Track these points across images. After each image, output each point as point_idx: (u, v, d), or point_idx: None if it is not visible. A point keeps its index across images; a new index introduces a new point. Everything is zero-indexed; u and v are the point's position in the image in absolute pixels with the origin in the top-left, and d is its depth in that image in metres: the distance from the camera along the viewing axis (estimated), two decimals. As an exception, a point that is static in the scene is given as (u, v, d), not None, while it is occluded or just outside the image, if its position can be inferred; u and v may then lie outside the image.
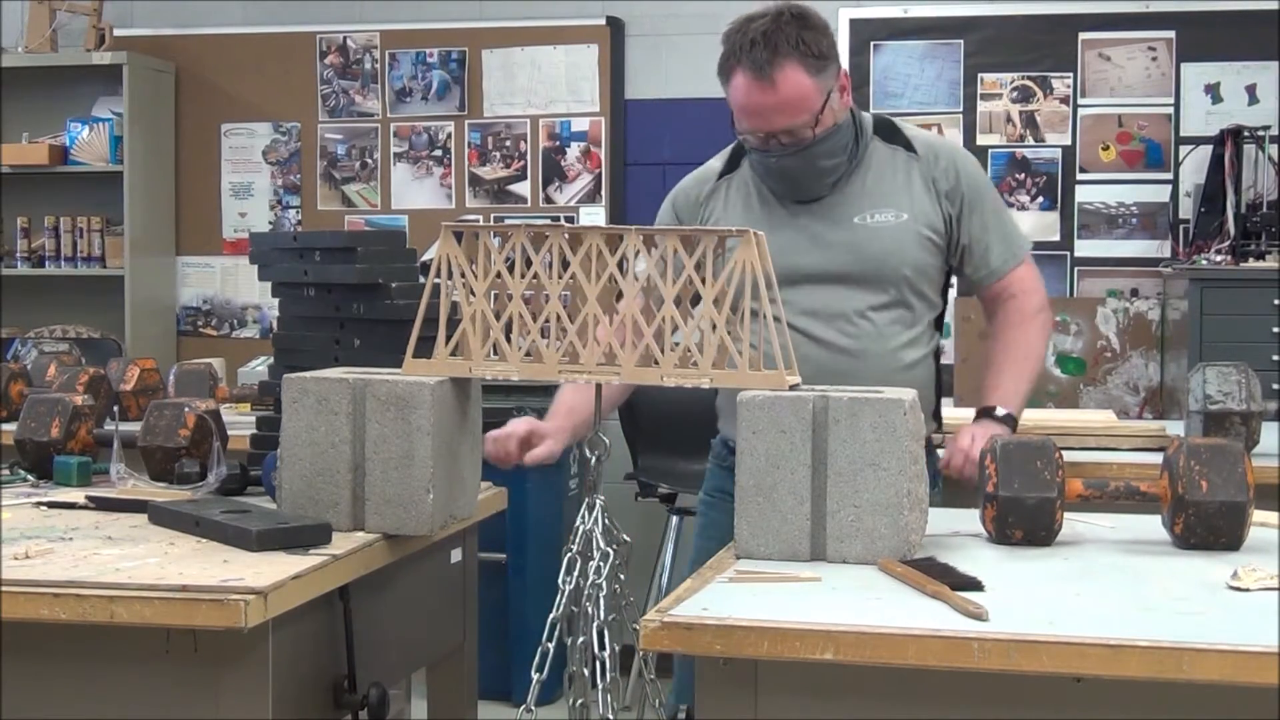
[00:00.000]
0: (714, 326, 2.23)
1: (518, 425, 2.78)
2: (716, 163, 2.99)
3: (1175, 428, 3.50)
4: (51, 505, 2.56)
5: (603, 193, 5.76)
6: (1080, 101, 5.49)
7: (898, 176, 2.86)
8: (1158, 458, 2.40)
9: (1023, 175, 5.53)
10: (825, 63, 2.74)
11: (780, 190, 2.86)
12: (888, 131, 2.90)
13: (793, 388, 2.19)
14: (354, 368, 2.45)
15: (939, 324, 2.97)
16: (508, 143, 5.84)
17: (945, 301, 2.98)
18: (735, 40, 2.73)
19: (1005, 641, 1.70)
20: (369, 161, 5.95)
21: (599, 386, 2.47)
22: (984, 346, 3.04)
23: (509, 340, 2.31)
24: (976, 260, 2.90)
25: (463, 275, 2.30)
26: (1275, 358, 4.81)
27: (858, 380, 2.53)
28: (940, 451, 2.90)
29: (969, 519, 2.37)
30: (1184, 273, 5.06)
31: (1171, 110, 5.44)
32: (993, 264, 2.91)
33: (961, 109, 5.56)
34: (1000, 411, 2.83)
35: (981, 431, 2.75)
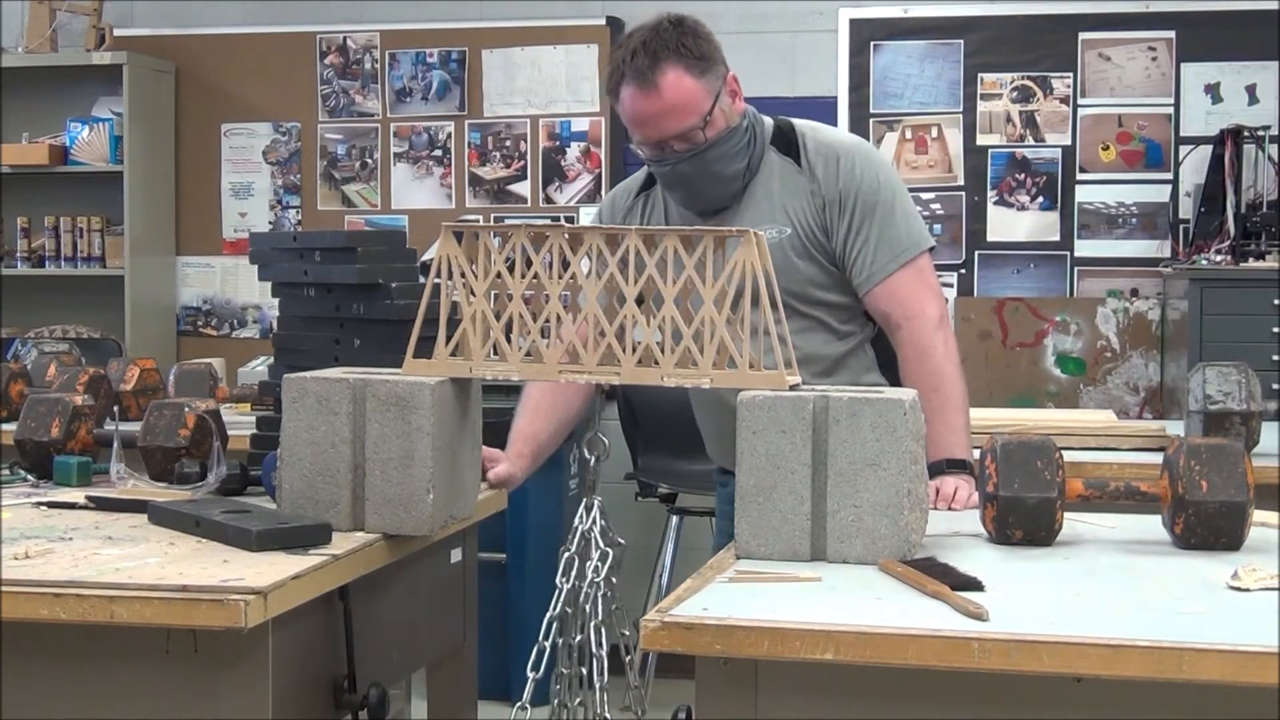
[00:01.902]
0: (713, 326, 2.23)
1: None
2: (636, 179, 3.01)
3: (1175, 428, 3.50)
4: (51, 505, 2.56)
5: (603, 193, 5.76)
6: (1080, 101, 5.49)
7: (782, 191, 2.84)
8: (1158, 458, 2.40)
9: (1023, 175, 5.53)
10: (708, 64, 2.74)
11: (685, 200, 2.85)
12: (784, 142, 2.87)
13: (793, 388, 2.19)
14: (354, 368, 2.45)
15: (869, 316, 2.88)
16: (508, 143, 5.85)
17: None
18: (617, 56, 2.75)
19: (1005, 641, 1.70)
20: (369, 161, 5.96)
21: (598, 387, 2.47)
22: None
23: (509, 340, 2.31)
24: (854, 269, 2.82)
25: (463, 275, 2.30)
26: (1275, 358, 4.81)
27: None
28: None
29: (969, 519, 2.37)
30: (1184, 273, 5.06)
31: (1171, 110, 5.44)
32: (866, 271, 2.81)
33: (961, 109, 5.57)
34: (951, 461, 2.70)
35: (948, 482, 2.64)
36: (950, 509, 2.59)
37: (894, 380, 2.89)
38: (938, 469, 2.68)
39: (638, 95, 2.72)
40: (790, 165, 2.85)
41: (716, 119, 2.75)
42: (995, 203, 5.53)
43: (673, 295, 2.28)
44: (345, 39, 5.96)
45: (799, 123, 2.92)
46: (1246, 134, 5.17)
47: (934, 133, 5.59)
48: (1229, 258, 5.06)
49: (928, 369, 2.76)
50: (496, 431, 3.42)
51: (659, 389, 2.33)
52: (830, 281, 2.86)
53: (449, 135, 5.88)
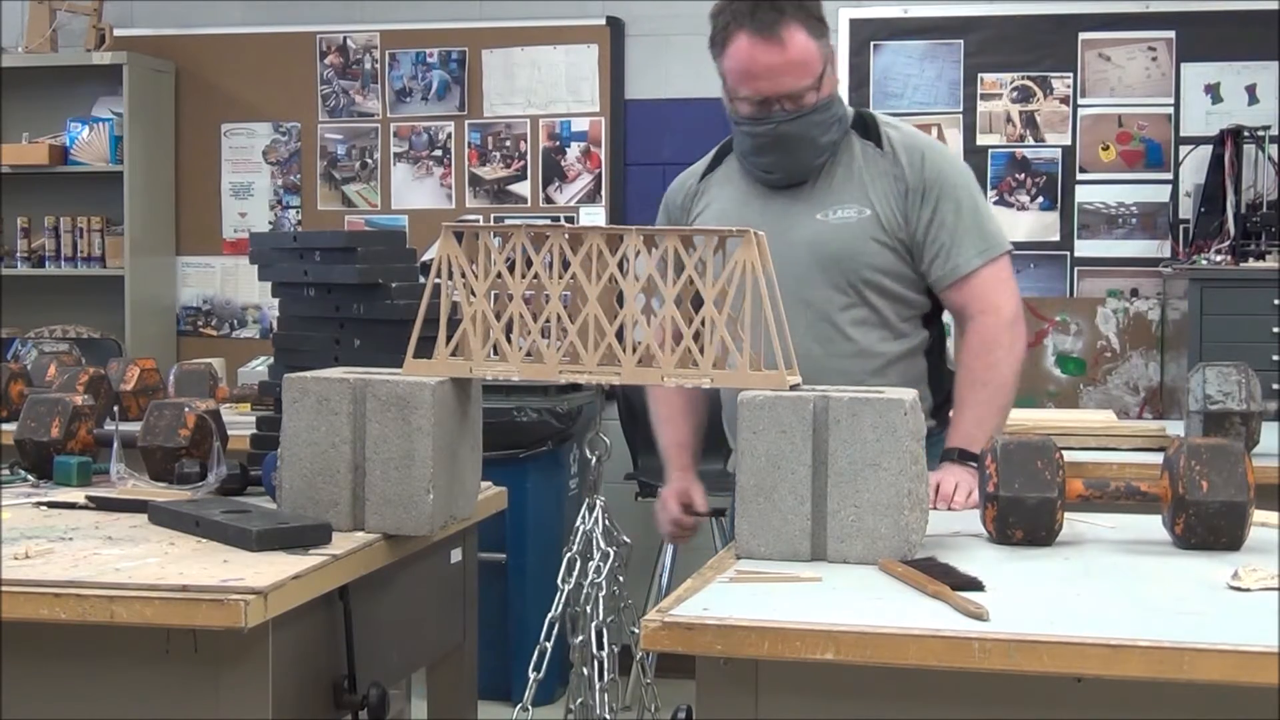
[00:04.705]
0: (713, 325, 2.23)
1: (669, 500, 2.98)
2: (700, 164, 3.01)
3: (1175, 428, 3.50)
4: (51, 505, 2.56)
5: (603, 193, 5.76)
6: (1080, 101, 5.49)
7: (865, 172, 2.82)
8: (1158, 458, 2.40)
9: (1023, 175, 5.53)
10: (823, 29, 2.74)
11: (772, 166, 2.82)
12: (863, 126, 2.86)
13: (793, 388, 2.19)
14: (354, 368, 2.45)
15: (928, 321, 2.90)
16: (508, 143, 5.84)
17: (936, 301, 2.88)
18: (732, 9, 2.72)
19: (1006, 641, 1.70)
20: (369, 161, 5.96)
21: (599, 387, 2.47)
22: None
23: (509, 340, 2.31)
24: (932, 260, 2.81)
25: (463, 275, 2.30)
26: (1275, 358, 4.81)
27: (817, 368, 2.54)
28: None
29: (969, 519, 2.37)
30: (1184, 273, 5.06)
31: (1171, 110, 5.44)
32: (948, 264, 2.81)
33: (961, 109, 5.57)
34: (964, 453, 2.68)
35: (949, 479, 2.64)
36: (950, 508, 2.59)
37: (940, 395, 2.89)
38: (948, 456, 2.69)
39: (759, 46, 2.69)
40: (872, 148, 2.83)
41: (825, 84, 2.74)
42: (995, 202, 5.52)
43: (673, 295, 2.28)
44: (345, 39, 5.96)
45: (875, 112, 2.95)
46: (1246, 134, 5.17)
47: (934, 133, 5.58)
48: (1229, 258, 5.05)
49: (985, 362, 2.77)
50: (497, 431, 3.42)
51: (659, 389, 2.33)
52: (900, 272, 2.83)
53: (449, 135, 5.88)
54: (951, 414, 2.83)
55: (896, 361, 2.84)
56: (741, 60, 2.72)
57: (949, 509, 2.59)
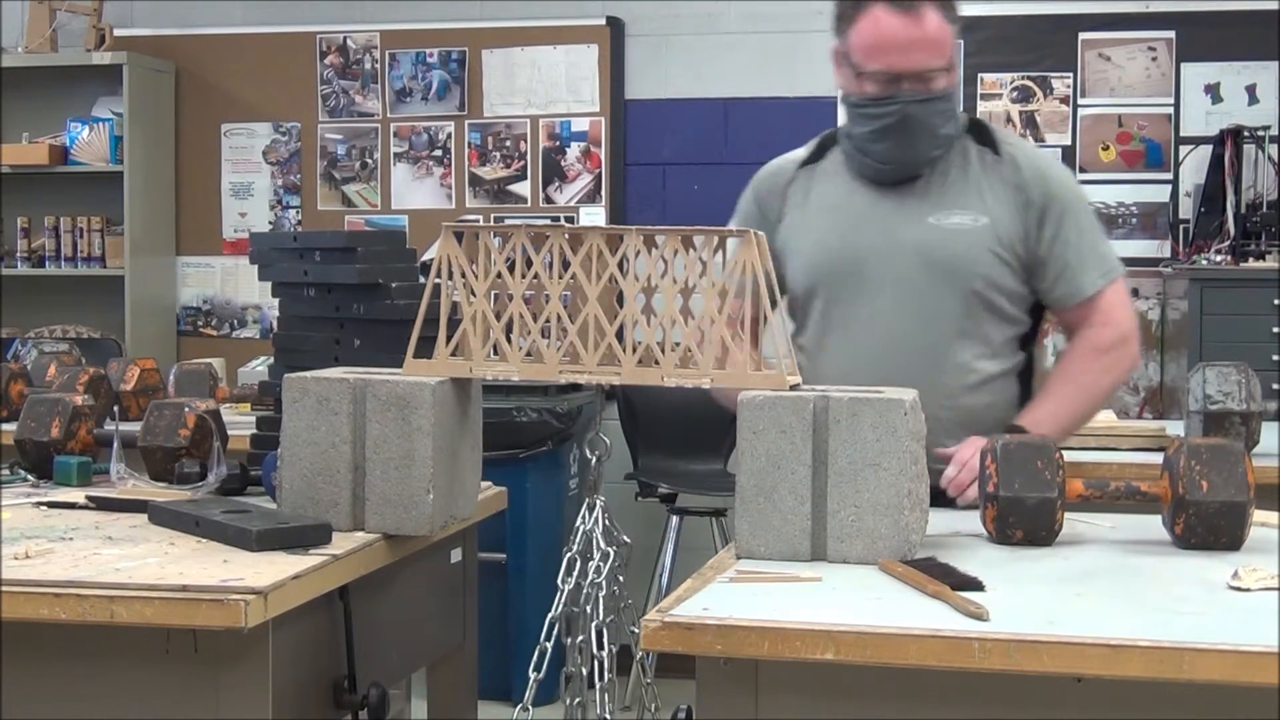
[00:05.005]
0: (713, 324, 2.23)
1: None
2: (800, 152, 2.88)
3: (1175, 428, 3.50)
4: (51, 505, 2.56)
5: (603, 193, 5.76)
6: (1080, 101, 5.49)
7: (981, 179, 2.72)
8: (1158, 458, 2.40)
9: (1023, 175, 5.52)
10: (956, 17, 2.66)
11: (886, 155, 2.69)
12: (978, 132, 2.77)
13: (793, 388, 2.19)
14: (354, 368, 2.45)
15: (1024, 343, 2.80)
16: (508, 143, 5.84)
17: (1035, 322, 2.80)
18: None
19: (1006, 641, 1.70)
20: (369, 161, 5.96)
21: (599, 387, 2.47)
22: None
23: (509, 340, 2.31)
24: (1055, 279, 2.73)
25: (463, 275, 2.30)
26: (1275, 358, 4.81)
27: (910, 381, 2.39)
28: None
29: (969, 519, 2.37)
30: (1184, 273, 5.06)
31: (1171, 110, 5.44)
32: (1071, 285, 2.73)
33: (961, 109, 5.56)
34: (1020, 430, 2.59)
35: (965, 452, 2.58)
36: (952, 490, 2.54)
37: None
38: (1009, 428, 2.59)
39: (896, 19, 2.61)
40: (989, 155, 2.74)
41: (952, 73, 2.67)
42: (995, 203, 5.52)
43: (674, 295, 2.28)
44: (345, 39, 5.96)
45: (986, 120, 2.87)
46: (1246, 134, 5.17)
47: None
48: (1229, 258, 5.05)
49: (1086, 365, 2.74)
50: (497, 431, 3.42)
51: (659, 389, 2.33)
52: (1011, 288, 2.73)
53: (449, 135, 5.88)
54: (1032, 401, 2.76)
55: (992, 381, 2.74)
56: (874, 33, 2.62)
57: (963, 470, 2.53)
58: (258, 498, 2.54)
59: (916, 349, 2.68)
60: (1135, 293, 5.43)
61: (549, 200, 5.82)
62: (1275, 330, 4.85)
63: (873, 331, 2.71)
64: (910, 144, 2.68)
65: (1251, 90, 5.39)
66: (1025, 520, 2.22)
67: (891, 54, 2.62)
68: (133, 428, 2.86)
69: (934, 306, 2.69)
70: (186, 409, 2.79)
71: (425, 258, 3.34)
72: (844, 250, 2.74)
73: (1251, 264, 5.03)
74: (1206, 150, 5.28)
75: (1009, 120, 5.52)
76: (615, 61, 5.73)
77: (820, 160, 2.83)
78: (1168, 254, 5.37)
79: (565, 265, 2.29)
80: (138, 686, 2.01)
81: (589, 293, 2.28)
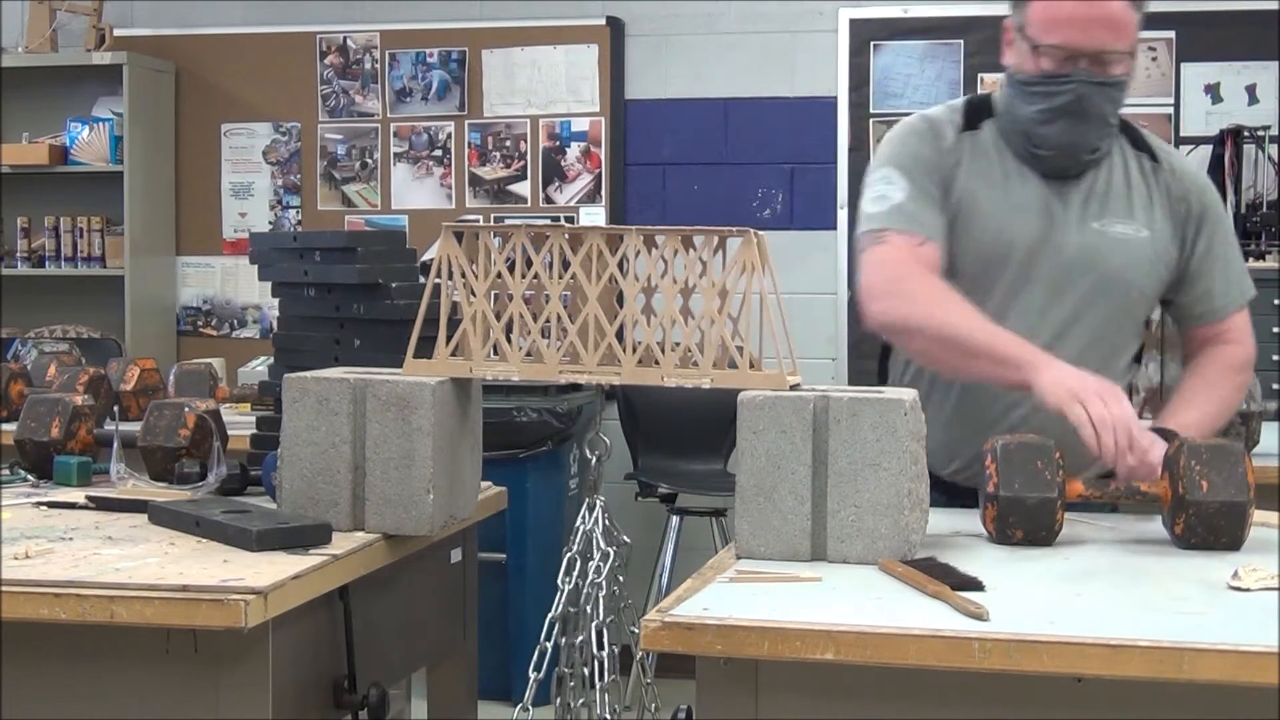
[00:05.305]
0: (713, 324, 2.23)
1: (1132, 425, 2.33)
2: (948, 114, 2.69)
3: (1175, 428, 3.49)
4: (51, 505, 2.56)
5: (603, 193, 5.76)
6: (1080, 101, 5.48)
7: (1142, 187, 2.62)
8: (1158, 458, 2.39)
9: (1023, 175, 5.52)
10: (1142, 12, 2.53)
11: (1050, 139, 2.55)
12: (1132, 135, 2.65)
13: (793, 388, 2.19)
14: (354, 368, 2.45)
15: (1137, 358, 2.74)
16: (508, 143, 5.85)
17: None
18: None
19: (1006, 641, 1.70)
20: (369, 161, 5.96)
21: (598, 387, 2.46)
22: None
23: (509, 340, 2.31)
24: (1196, 296, 2.65)
25: (463, 275, 2.30)
26: (1275, 358, 4.81)
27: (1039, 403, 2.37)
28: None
29: (969, 519, 2.37)
30: (1184, 273, 5.05)
31: (1171, 110, 5.44)
32: (1214, 303, 2.66)
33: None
34: (1169, 433, 2.43)
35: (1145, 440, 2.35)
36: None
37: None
38: (1158, 430, 2.45)
39: None
40: (1147, 162, 2.64)
41: (1129, 60, 2.53)
42: (995, 203, 5.52)
43: (673, 295, 2.28)
44: (345, 39, 5.96)
45: (1133, 121, 2.72)
46: (1246, 134, 5.17)
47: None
48: (1229, 258, 5.05)
49: (1224, 378, 2.65)
50: (497, 431, 3.42)
51: (659, 389, 2.33)
52: (1153, 301, 2.66)
53: (449, 135, 5.88)
54: (1173, 405, 2.63)
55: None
56: (1057, 5, 2.50)
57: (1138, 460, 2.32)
58: (258, 498, 2.54)
59: (1062, 356, 2.53)
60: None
61: (549, 200, 5.82)
62: (1275, 330, 4.85)
63: (1027, 326, 2.54)
64: (1080, 128, 2.55)
65: (1251, 90, 5.40)
66: (1025, 520, 2.22)
67: (1073, 29, 2.50)
68: (133, 428, 2.86)
69: (1086, 315, 2.59)
70: (186, 409, 2.79)
71: (425, 258, 3.34)
72: (998, 241, 2.58)
73: (1251, 264, 5.00)
74: (1206, 150, 5.29)
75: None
76: (615, 61, 5.73)
77: (976, 132, 2.65)
78: (1168, 254, 5.37)
79: (565, 265, 2.29)
80: (138, 686, 2.01)
81: (589, 293, 2.28)
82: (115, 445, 2.77)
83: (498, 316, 2.31)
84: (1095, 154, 2.59)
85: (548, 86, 5.81)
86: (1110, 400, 2.30)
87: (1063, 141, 2.56)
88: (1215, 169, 5.21)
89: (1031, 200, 2.59)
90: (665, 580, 5.07)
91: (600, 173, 5.76)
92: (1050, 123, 2.55)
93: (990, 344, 2.44)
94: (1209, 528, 2.18)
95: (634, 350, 2.27)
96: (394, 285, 2.76)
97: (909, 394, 2.18)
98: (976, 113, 2.68)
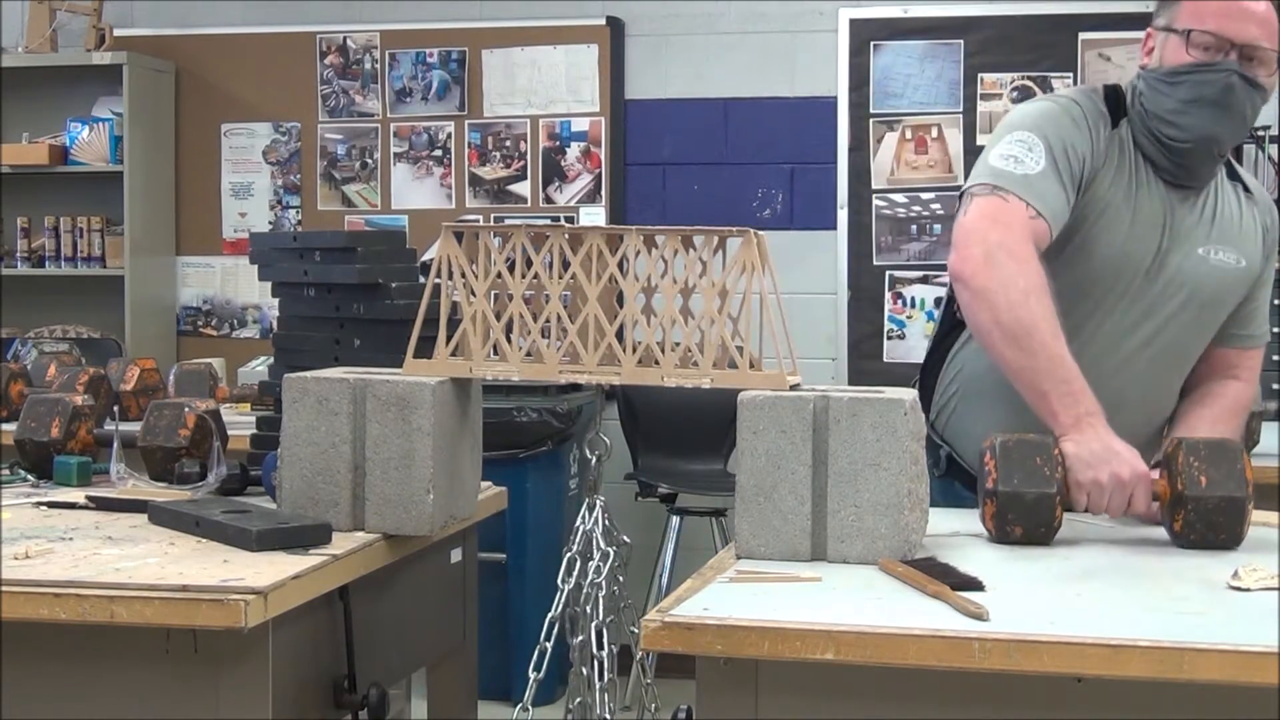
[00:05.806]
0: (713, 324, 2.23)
1: (1138, 478, 2.31)
2: (1092, 104, 2.59)
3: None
4: (51, 505, 2.56)
5: (603, 193, 5.76)
6: (1080, 101, 5.48)
7: (1241, 217, 2.62)
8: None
9: (1023, 175, 5.52)
10: None
11: (1189, 131, 2.51)
12: (1228, 165, 2.66)
13: (793, 388, 2.19)
14: (354, 368, 2.45)
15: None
16: (508, 143, 5.85)
17: None
18: None
19: (1006, 641, 1.70)
20: (369, 161, 5.96)
21: (598, 387, 2.46)
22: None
23: (509, 340, 2.31)
24: (1239, 315, 2.65)
25: (463, 275, 2.30)
26: (1275, 358, 4.80)
27: (1118, 420, 2.37)
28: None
29: (969, 519, 2.37)
30: (1184, 272, 5.05)
31: (1171, 110, 5.43)
32: (1249, 328, 2.68)
33: (961, 109, 5.57)
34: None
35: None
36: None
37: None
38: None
39: None
40: (1241, 191, 2.65)
41: (1273, 70, 2.51)
42: (995, 202, 5.52)
43: (673, 295, 2.28)
44: (345, 39, 5.96)
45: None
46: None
47: (934, 133, 5.59)
48: (1229, 257, 5.05)
49: (1226, 414, 2.62)
50: (497, 431, 3.42)
51: (659, 389, 2.33)
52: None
53: (449, 135, 5.88)
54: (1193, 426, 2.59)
55: (1165, 423, 2.65)
56: (1210, 3, 2.48)
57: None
58: (258, 498, 2.54)
59: (1151, 375, 2.58)
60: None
61: (549, 200, 5.82)
62: (1275, 330, 4.84)
63: (1112, 343, 2.56)
64: (1222, 121, 2.51)
65: (1251, 90, 5.39)
66: (1024, 516, 2.22)
67: (1229, 19, 2.47)
68: (133, 428, 2.86)
69: (1168, 329, 2.58)
70: (186, 409, 2.79)
71: (425, 258, 3.34)
72: (1118, 256, 2.55)
73: (1251, 264, 5.02)
74: (1206, 150, 5.28)
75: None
76: (615, 61, 5.73)
77: (1117, 128, 2.59)
78: (1168, 254, 5.37)
79: (565, 265, 2.29)
80: (138, 686, 2.01)
81: (589, 293, 2.28)
82: (115, 445, 2.77)
83: (498, 316, 2.31)
84: (1223, 159, 2.59)
85: (548, 86, 5.81)
86: (1117, 491, 2.29)
87: (1203, 133, 2.51)
88: (1215, 169, 5.20)
89: (1155, 215, 2.56)
90: (665, 580, 5.07)
91: (600, 173, 5.76)
92: (1191, 112, 2.51)
93: (1049, 369, 2.37)
94: (1208, 524, 2.18)
95: (634, 350, 2.27)
96: (394, 285, 2.76)
97: (909, 394, 2.18)
98: (1113, 108, 2.61)
